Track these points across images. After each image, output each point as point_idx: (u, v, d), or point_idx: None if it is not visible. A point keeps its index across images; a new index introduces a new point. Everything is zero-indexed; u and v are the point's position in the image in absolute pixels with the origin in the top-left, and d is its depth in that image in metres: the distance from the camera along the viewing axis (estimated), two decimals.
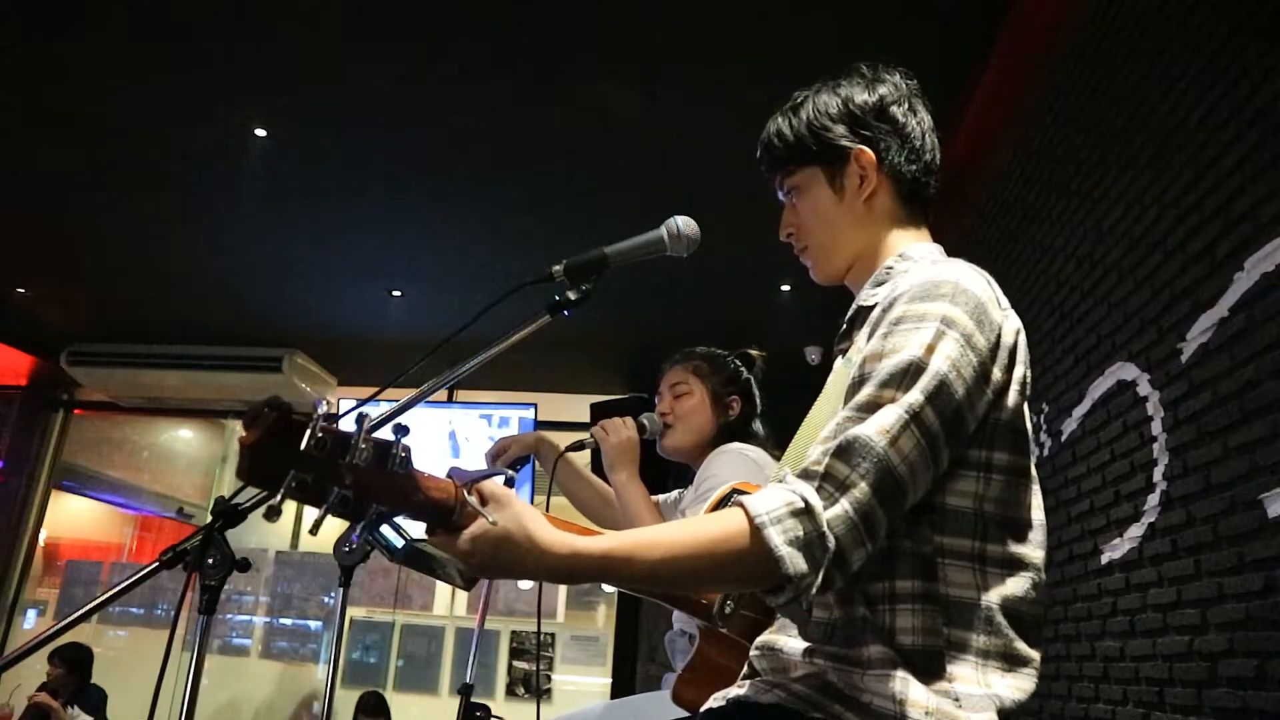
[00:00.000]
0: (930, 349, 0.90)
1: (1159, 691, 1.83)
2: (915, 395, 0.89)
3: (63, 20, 2.96)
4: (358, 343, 5.67)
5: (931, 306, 0.93)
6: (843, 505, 0.85)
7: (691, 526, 0.87)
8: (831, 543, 0.84)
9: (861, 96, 1.13)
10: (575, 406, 5.67)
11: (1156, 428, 1.93)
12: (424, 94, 3.27)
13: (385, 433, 0.82)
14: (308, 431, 0.76)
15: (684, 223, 1.31)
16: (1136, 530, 1.99)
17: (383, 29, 2.94)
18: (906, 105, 1.14)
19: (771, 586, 0.85)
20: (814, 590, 0.85)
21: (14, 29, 3.02)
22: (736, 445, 1.87)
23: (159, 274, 4.97)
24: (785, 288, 4.61)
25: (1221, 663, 1.61)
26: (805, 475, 0.87)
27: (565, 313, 1.26)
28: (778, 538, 0.83)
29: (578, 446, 1.92)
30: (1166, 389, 1.90)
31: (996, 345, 0.95)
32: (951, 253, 1.12)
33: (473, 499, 0.85)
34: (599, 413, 4.45)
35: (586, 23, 2.87)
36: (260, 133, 3.53)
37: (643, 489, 1.84)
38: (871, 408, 0.89)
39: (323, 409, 0.78)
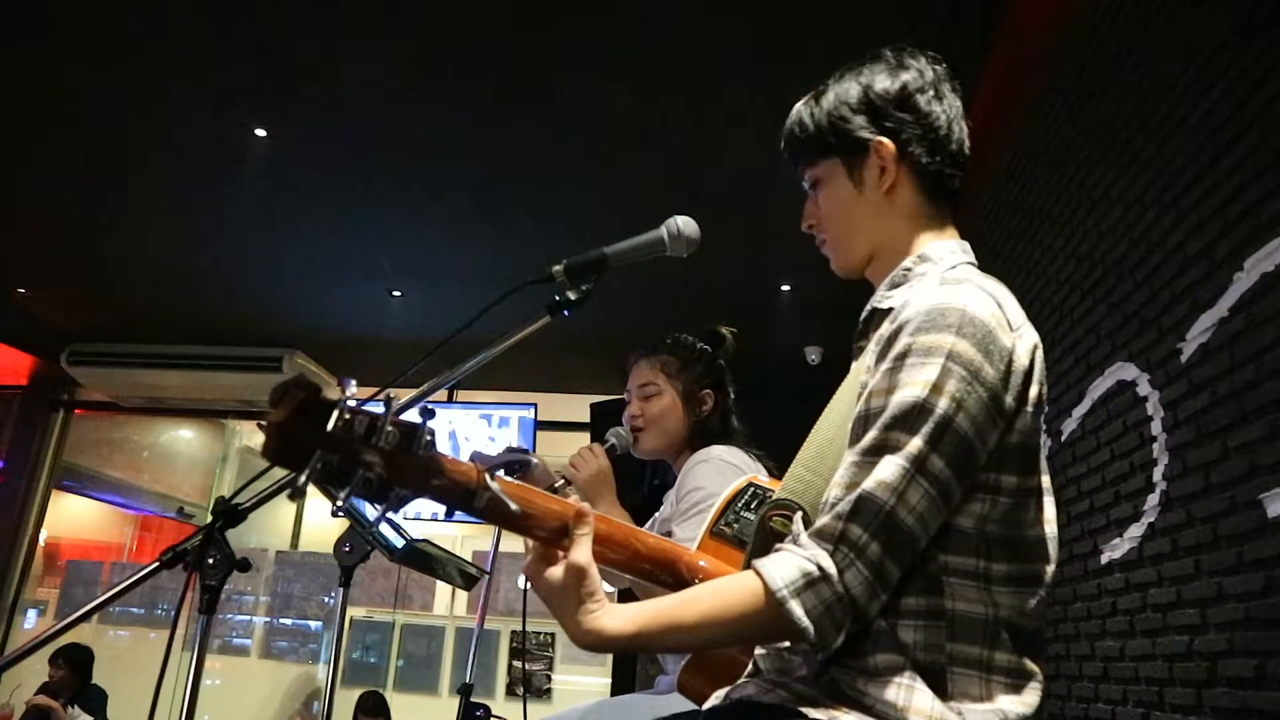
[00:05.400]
0: (935, 388, 0.89)
1: (1159, 691, 1.83)
2: (918, 443, 0.88)
3: (63, 20, 2.96)
4: (358, 343, 5.68)
5: (936, 339, 0.91)
6: (857, 566, 0.88)
7: (714, 600, 0.91)
8: (850, 604, 0.88)
9: (884, 84, 1.09)
10: (575, 406, 5.66)
11: (1156, 428, 1.93)
12: (424, 94, 3.27)
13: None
14: (335, 412, 0.76)
15: (684, 223, 1.31)
16: (1136, 530, 1.99)
17: (383, 29, 2.95)
18: (932, 92, 1.09)
19: (796, 642, 0.93)
20: (836, 645, 0.90)
21: (14, 29, 3.03)
22: (716, 450, 1.78)
23: (159, 274, 4.97)
24: (785, 288, 4.61)
25: (1221, 663, 1.61)
26: (820, 536, 0.90)
27: (565, 313, 1.26)
28: (798, 610, 0.87)
29: (550, 491, 1.87)
30: (1166, 389, 1.90)
31: (1008, 373, 0.92)
32: None
33: (494, 485, 0.86)
34: (599, 413, 4.44)
35: (586, 23, 2.87)
36: (260, 133, 3.53)
37: (622, 515, 1.77)
38: (878, 451, 0.90)
39: (351, 389, 0.77)
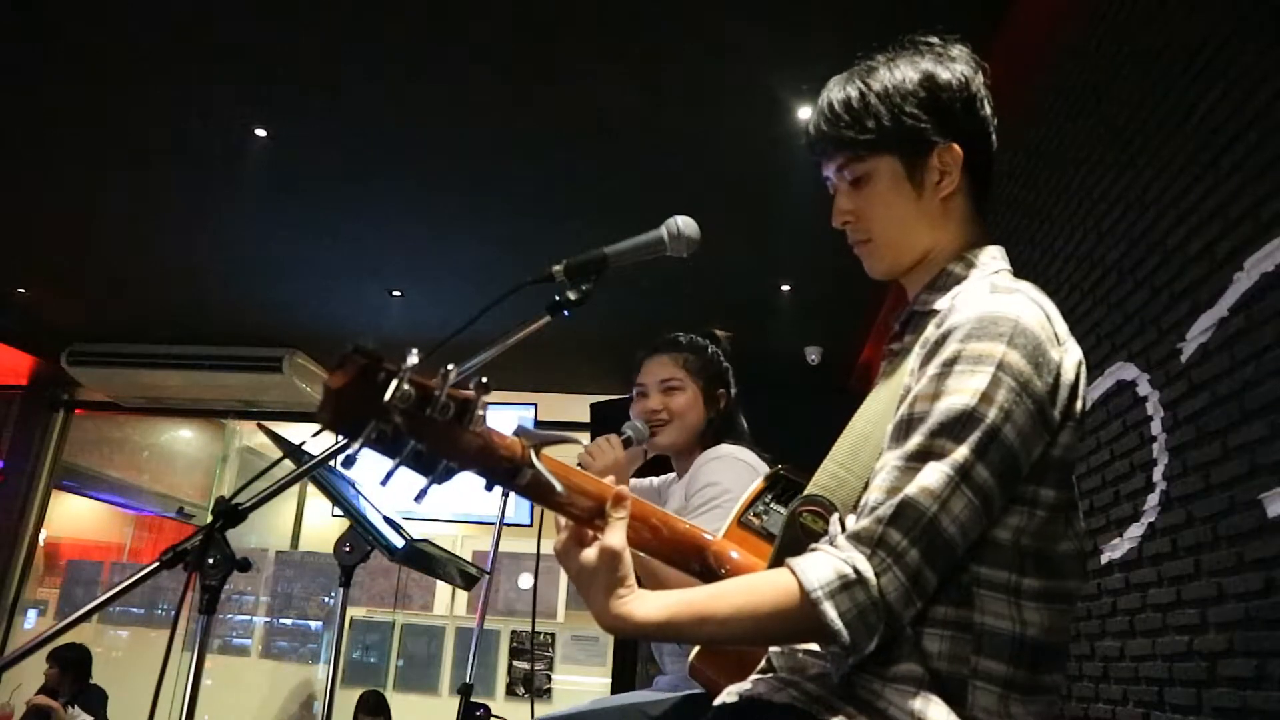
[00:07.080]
0: (984, 397, 0.87)
1: (1159, 691, 1.83)
2: (964, 452, 0.87)
3: (63, 21, 2.96)
4: None
5: (988, 347, 0.89)
6: (894, 572, 0.86)
7: (747, 595, 0.89)
8: (884, 609, 0.86)
9: (945, 76, 1.04)
10: (575, 406, 5.67)
11: (1156, 428, 1.93)
12: (424, 94, 3.27)
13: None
14: (394, 382, 0.75)
15: (684, 223, 1.31)
16: (1136, 530, 1.99)
17: (383, 29, 2.95)
18: (984, 91, 1.05)
19: (827, 644, 0.90)
20: (869, 650, 0.87)
21: (14, 29, 3.03)
22: (728, 448, 1.81)
23: (159, 274, 4.98)
24: (785, 288, 4.61)
25: (1221, 662, 1.61)
26: (858, 539, 0.88)
27: (565, 313, 1.26)
28: (832, 612, 0.85)
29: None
30: (1166, 389, 1.90)
31: (1055, 386, 0.91)
32: None
33: (540, 464, 0.86)
34: (599, 413, 4.44)
35: (586, 21, 2.87)
36: (260, 133, 3.53)
37: None
38: (922, 457, 0.88)
39: (412, 360, 0.77)
